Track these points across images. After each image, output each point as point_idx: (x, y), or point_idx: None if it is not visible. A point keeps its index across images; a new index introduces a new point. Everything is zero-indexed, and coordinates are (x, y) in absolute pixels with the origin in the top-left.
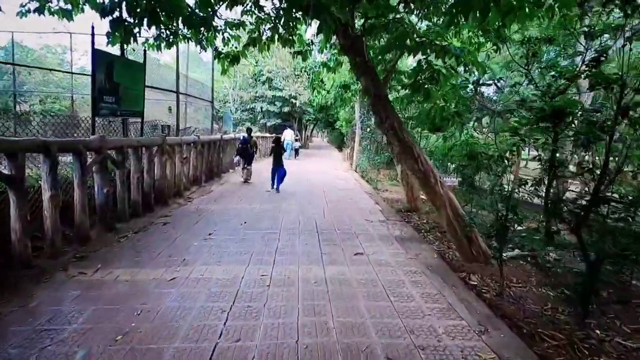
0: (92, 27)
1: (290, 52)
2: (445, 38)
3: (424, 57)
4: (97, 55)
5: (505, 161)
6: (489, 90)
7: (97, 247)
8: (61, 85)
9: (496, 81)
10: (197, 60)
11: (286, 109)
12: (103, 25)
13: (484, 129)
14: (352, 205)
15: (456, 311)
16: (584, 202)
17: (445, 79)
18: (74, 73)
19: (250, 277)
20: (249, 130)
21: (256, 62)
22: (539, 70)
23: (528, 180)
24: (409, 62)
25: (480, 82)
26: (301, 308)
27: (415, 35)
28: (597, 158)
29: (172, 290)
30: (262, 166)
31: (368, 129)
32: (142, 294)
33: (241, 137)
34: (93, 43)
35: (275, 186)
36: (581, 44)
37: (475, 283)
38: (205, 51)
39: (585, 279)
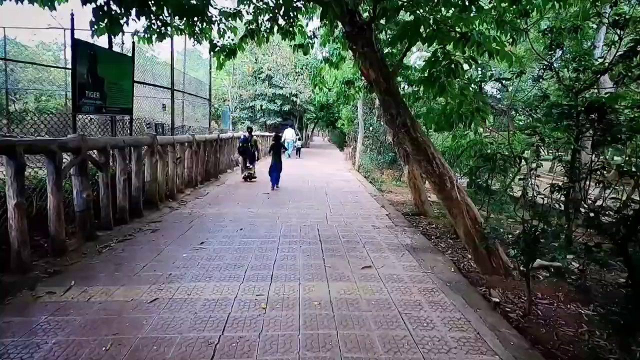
0: (72, 15)
1: (291, 46)
2: (468, 24)
3: (440, 46)
4: (78, 46)
5: (523, 162)
6: (492, 88)
7: (74, 259)
8: (56, 82)
9: (513, 76)
10: (197, 58)
11: (287, 108)
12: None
13: (487, 128)
14: (357, 209)
15: (485, 342)
16: (630, 212)
17: (463, 71)
18: (67, 68)
19: (244, 297)
20: (249, 130)
21: (256, 60)
22: (563, 63)
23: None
24: (411, 60)
25: (493, 77)
26: (302, 339)
27: (431, 21)
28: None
29: (152, 316)
30: (262, 166)
31: (371, 128)
32: (116, 321)
33: (242, 137)
34: (72, 32)
35: (275, 185)
36: (617, 33)
37: (497, 300)
38: (200, 44)
39: (632, 300)
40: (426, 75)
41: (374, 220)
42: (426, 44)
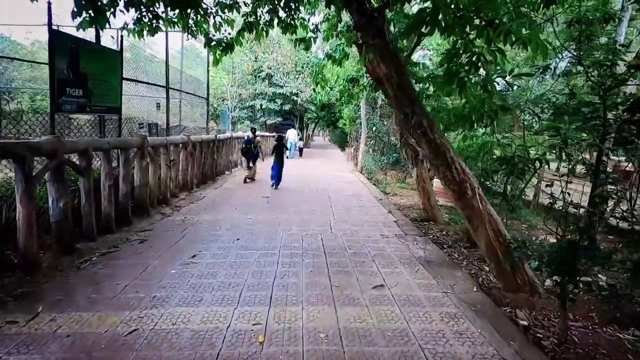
0: (49, 3)
1: (291, 40)
2: (498, 8)
3: (461, 37)
4: (56, 38)
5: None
6: (497, 86)
7: (47, 277)
8: None
9: (538, 71)
10: (195, 57)
11: (287, 107)
12: None
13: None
14: (362, 215)
15: None
16: None
17: (487, 64)
18: (46, 63)
19: (238, 326)
20: (253, 131)
21: (255, 58)
22: (588, 57)
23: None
24: (414, 58)
25: (513, 73)
26: None
27: (452, 7)
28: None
29: (128, 354)
30: (262, 167)
31: (374, 128)
32: None
33: (245, 138)
34: (50, 22)
35: (276, 184)
36: None
37: (526, 323)
38: (195, 38)
39: None
40: (443, 70)
41: (381, 228)
42: (431, 39)
